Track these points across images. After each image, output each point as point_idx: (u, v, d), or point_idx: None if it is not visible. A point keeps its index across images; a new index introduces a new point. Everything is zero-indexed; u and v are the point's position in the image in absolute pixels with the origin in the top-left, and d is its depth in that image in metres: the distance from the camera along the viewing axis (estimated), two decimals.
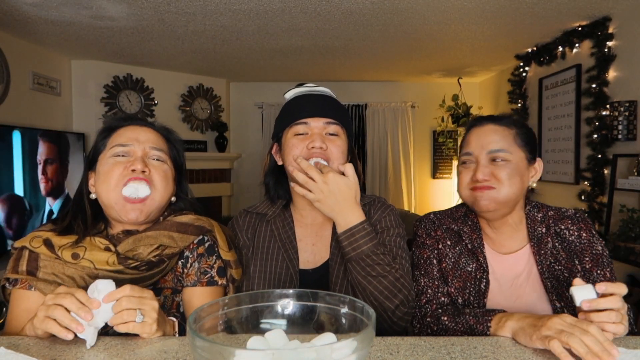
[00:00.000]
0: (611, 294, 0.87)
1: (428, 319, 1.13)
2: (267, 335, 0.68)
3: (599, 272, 1.10)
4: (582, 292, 0.89)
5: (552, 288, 1.11)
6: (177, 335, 0.97)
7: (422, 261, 1.24)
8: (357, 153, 1.34)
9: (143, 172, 1.06)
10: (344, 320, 0.72)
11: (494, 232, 1.21)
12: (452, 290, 1.17)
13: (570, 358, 0.78)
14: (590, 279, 1.10)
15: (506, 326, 0.93)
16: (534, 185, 1.19)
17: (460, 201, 1.28)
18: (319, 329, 0.75)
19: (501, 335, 0.94)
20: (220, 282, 1.11)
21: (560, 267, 1.13)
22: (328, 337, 0.66)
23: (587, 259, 1.12)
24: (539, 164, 1.20)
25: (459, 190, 1.23)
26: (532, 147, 1.19)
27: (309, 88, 1.27)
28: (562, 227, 1.17)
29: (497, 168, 1.13)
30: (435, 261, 1.22)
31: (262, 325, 0.75)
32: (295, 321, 0.76)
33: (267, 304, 0.76)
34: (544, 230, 1.17)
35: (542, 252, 1.15)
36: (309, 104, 1.22)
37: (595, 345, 0.78)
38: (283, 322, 0.76)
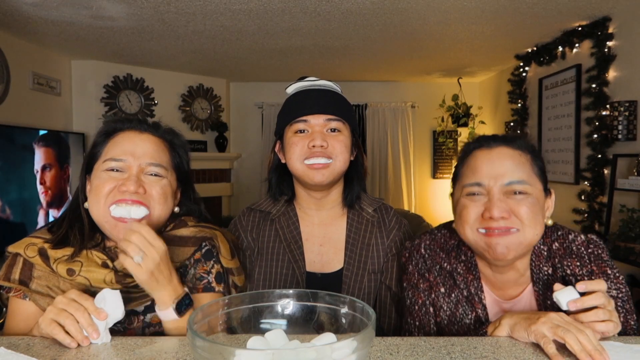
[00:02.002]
0: (593, 292, 0.85)
1: None
2: (267, 335, 0.68)
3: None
4: (565, 295, 0.87)
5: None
6: (174, 307, 0.93)
7: (416, 307, 1.06)
8: (362, 150, 1.32)
9: (136, 192, 0.97)
10: (344, 320, 0.73)
11: (495, 276, 1.02)
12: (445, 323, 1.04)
13: (561, 358, 0.79)
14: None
15: (502, 324, 0.91)
16: (549, 222, 0.98)
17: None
18: (319, 329, 0.75)
19: (500, 335, 0.93)
20: (217, 289, 1.04)
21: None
22: (328, 337, 0.66)
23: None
24: (552, 198, 1.01)
25: (460, 228, 0.99)
26: (545, 177, 1.00)
27: (310, 82, 1.24)
28: (569, 271, 0.96)
29: (517, 204, 0.92)
30: (431, 309, 1.05)
31: (262, 325, 0.75)
32: (295, 321, 0.76)
33: (267, 304, 0.76)
34: (549, 271, 0.98)
35: (549, 302, 0.95)
36: (309, 100, 1.18)
37: (589, 344, 0.78)
38: (283, 322, 0.76)
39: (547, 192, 1.00)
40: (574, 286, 0.87)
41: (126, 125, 1.06)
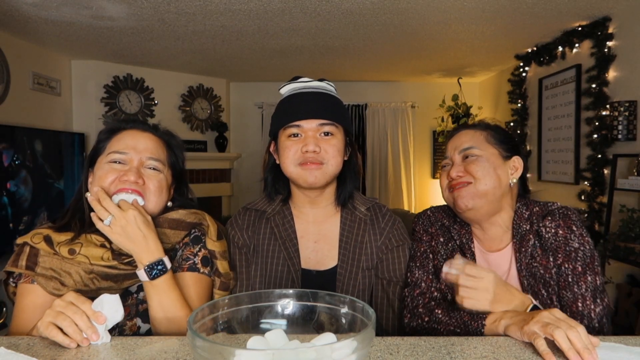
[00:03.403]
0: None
1: (420, 310, 1.14)
2: (267, 335, 0.68)
3: (567, 265, 1.10)
4: None
5: (528, 286, 1.12)
6: (145, 268, 0.99)
7: (418, 254, 1.25)
8: (356, 150, 1.34)
9: (136, 182, 1.07)
10: (344, 320, 0.73)
11: (482, 233, 1.22)
12: (444, 286, 1.19)
13: (552, 355, 0.79)
14: (559, 274, 1.10)
15: (500, 324, 0.95)
16: (514, 180, 1.20)
17: None
18: (319, 329, 0.75)
19: (496, 333, 0.95)
20: (202, 270, 1.11)
21: (536, 265, 1.13)
22: (328, 337, 0.66)
23: (560, 255, 1.11)
24: (518, 162, 1.21)
25: (442, 195, 1.26)
26: (509, 145, 1.22)
27: (303, 84, 1.25)
28: (541, 224, 1.16)
29: (469, 164, 1.17)
30: (431, 255, 1.24)
31: (262, 325, 0.75)
32: (295, 321, 0.76)
33: (267, 304, 0.76)
34: (527, 227, 1.17)
35: (523, 249, 1.15)
36: (302, 105, 1.20)
37: (578, 341, 0.79)
38: (283, 322, 0.76)
39: (507, 157, 1.20)
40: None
41: (129, 125, 1.17)
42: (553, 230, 1.14)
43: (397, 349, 0.85)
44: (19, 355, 0.80)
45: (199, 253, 1.13)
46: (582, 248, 1.11)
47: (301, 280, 1.22)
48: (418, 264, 1.24)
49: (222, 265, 1.14)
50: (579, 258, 1.10)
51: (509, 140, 1.23)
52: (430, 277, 1.21)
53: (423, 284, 1.20)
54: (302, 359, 0.56)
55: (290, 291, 0.77)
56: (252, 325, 0.75)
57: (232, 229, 1.29)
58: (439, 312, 1.10)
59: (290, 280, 1.21)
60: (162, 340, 0.89)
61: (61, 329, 0.85)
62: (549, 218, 1.16)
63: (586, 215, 3.37)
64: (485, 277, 1.00)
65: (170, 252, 1.12)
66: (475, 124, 1.27)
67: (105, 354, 0.83)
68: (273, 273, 1.22)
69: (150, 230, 1.03)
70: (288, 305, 0.76)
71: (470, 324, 1.01)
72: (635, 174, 2.82)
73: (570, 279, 1.08)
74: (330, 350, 0.56)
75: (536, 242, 1.15)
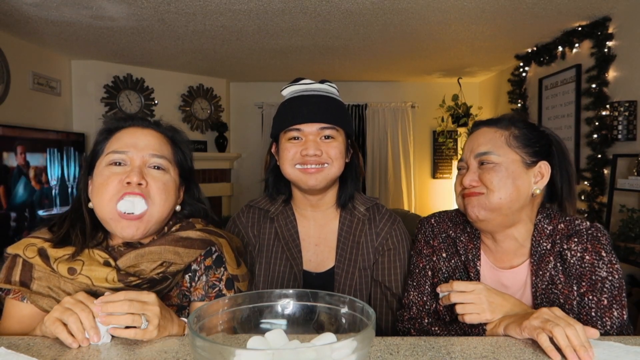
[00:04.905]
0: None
1: (413, 334, 1.11)
2: (267, 335, 0.68)
3: (591, 297, 0.99)
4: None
5: None
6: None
7: (417, 271, 1.19)
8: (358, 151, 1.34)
9: (139, 184, 0.97)
10: (344, 320, 0.73)
11: (495, 245, 1.11)
12: (441, 307, 1.11)
13: (556, 353, 0.80)
14: (581, 305, 1.00)
15: (500, 325, 0.95)
16: (537, 191, 1.05)
17: None
18: (319, 329, 0.75)
19: (497, 334, 0.95)
20: (228, 296, 1.05)
21: (556, 292, 1.02)
22: (328, 337, 0.66)
23: (584, 283, 1.00)
24: (544, 168, 1.06)
25: (456, 199, 1.18)
26: (537, 149, 1.07)
27: (305, 86, 1.25)
28: (566, 246, 1.03)
29: (484, 172, 1.04)
30: (430, 273, 1.17)
31: (262, 325, 0.75)
32: (295, 321, 0.76)
33: (267, 304, 0.76)
34: (548, 246, 1.05)
35: (541, 272, 1.04)
36: (303, 108, 1.20)
37: (575, 339, 0.79)
38: (283, 322, 0.76)
39: (532, 163, 1.06)
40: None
41: (128, 123, 1.06)
42: (579, 255, 1.02)
43: (397, 349, 0.85)
44: (19, 355, 0.80)
45: (222, 277, 1.06)
46: (610, 278, 0.99)
47: (302, 281, 1.23)
48: (415, 283, 1.18)
49: (244, 285, 1.09)
50: (605, 289, 0.98)
51: (536, 142, 1.07)
52: (424, 299, 1.15)
53: (414, 308, 1.15)
54: (302, 359, 0.56)
55: (290, 291, 0.77)
56: (252, 325, 0.75)
57: (235, 227, 1.30)
58: (437, 329, 1.07)
59: (293, 280, 1.22)
60: (162, 340, 0.89)
61: (66, 328, 0.84)
62: (575, 239, 1.03)
63: (586, 215, 3.38)
64: (475, 288, 0.97)
65: (184, 272, 1.04)
66: (498, 120, 1.11)
67: (105, 354, 0.83)
68: (276, 274, 1.23)
69: (169, 310, 0.92)
70: (288, 305, 0.76)
71: (471, 332, 1.00)
72: (635, 174, 2.82)
73: (593, 313, 0.98)
74: (330, 350, 0.56)
75: (558, 264, 1.03)
